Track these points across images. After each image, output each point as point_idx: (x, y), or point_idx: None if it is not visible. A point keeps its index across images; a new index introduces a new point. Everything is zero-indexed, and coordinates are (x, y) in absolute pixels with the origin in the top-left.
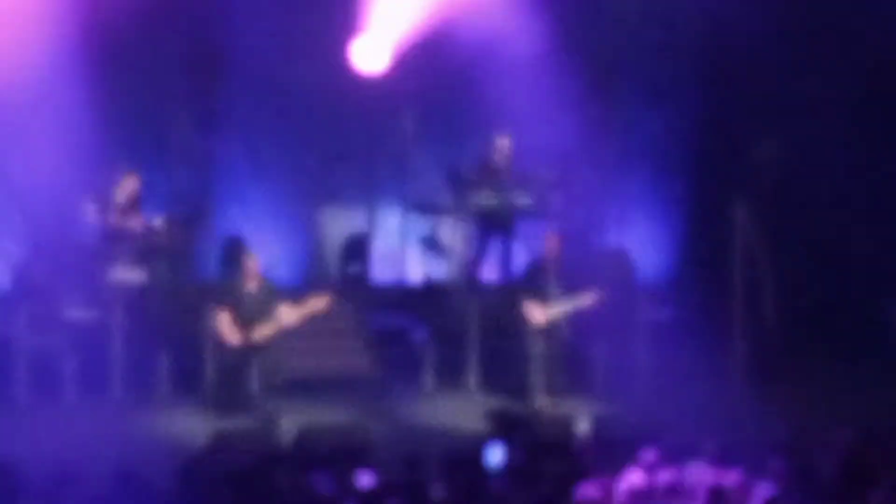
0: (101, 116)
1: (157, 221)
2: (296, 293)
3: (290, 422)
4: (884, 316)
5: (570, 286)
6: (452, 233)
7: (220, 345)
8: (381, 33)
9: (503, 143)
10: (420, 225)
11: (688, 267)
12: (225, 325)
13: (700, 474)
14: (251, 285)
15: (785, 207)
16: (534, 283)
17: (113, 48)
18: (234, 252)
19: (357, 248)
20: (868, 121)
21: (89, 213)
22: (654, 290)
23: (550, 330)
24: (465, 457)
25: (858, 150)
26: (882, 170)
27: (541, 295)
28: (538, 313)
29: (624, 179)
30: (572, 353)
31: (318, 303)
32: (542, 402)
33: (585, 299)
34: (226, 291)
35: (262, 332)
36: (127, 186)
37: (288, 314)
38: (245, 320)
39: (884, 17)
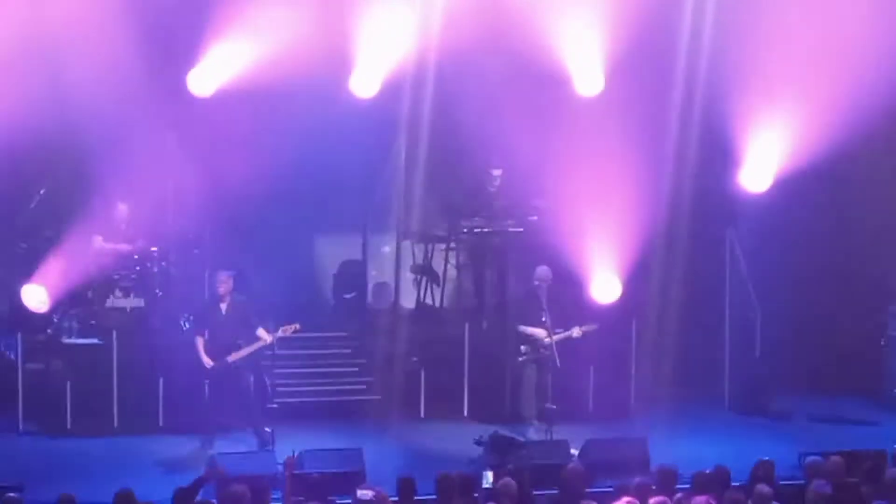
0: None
1: (153, 249)
2: (290, 318)
3: (286, 446)
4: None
5: (562, 316)
6: (446, 260)
7: (200, 371)
8: (374, 63)
9: (495, 173)
10: (414, 252)
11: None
12: (199, 350)
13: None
14: (223, 306)
15: (774, 241)
16: (526, 312)
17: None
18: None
19: (352, 276)
20: (860, 158)
21: (96, 242)
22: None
23: (542, 357)
24: (457, 482)
25: (851, 186)
26: (873, 206)
27: (533, 324)
28: (542, 333)
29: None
30: (563, 380)
31: (288, 329)
32: (534, 428)
33: (577, 331)
34: (201, 315)
35: (237, 355)
36: (121, 216)
37: (263, 338)
38: (222, 341)
39: None
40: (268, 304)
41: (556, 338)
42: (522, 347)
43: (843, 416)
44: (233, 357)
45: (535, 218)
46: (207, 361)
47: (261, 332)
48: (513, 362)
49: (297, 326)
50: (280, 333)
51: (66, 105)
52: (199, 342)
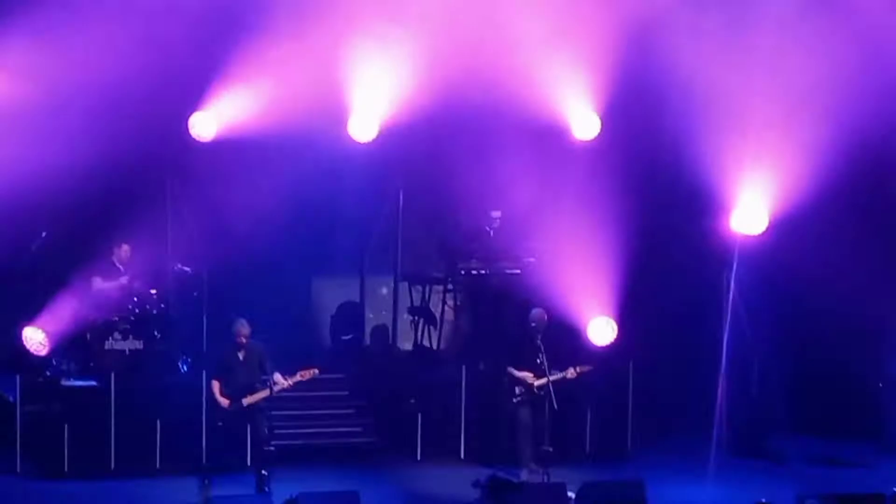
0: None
1: (152, 291)
2: (288, 360)
3: (283, 489)
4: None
5: (557, 358)
6: (443, 302)
7: (213, 412)
8: (372, 108)
9: (495, 215)
10: (411, 294)
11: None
12: (216, 393)
13: None
14: (241, 352)
15: (771, 283)
16: (522, 354)
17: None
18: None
19: (350, 318)
20: (853, 199)
21: (96, 284)
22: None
23: (538, 399)
24: None
25: (846, 228)
26: (867, 247)
27: (529, 366)
28: (530, 376)
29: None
30: (559, 421)
31: (306, 373)
32: (531, 470)
33: (571, 372)
34: (220, 361)
35: (252, 398)
36: (121, 257)
37: (279, 382)
38: (238, 385)
39: None
40: (266, 345)
41: (552, 378)
42: (517, 389)
43: (840, 459)
44: (248, 400)
45: (533, 260)
46: (224, 402)
47: (277, 376)
48: (508, 404)
49: (316, 371)
50: (298, 377)
51: (67, 148)
52: (216, 386)
